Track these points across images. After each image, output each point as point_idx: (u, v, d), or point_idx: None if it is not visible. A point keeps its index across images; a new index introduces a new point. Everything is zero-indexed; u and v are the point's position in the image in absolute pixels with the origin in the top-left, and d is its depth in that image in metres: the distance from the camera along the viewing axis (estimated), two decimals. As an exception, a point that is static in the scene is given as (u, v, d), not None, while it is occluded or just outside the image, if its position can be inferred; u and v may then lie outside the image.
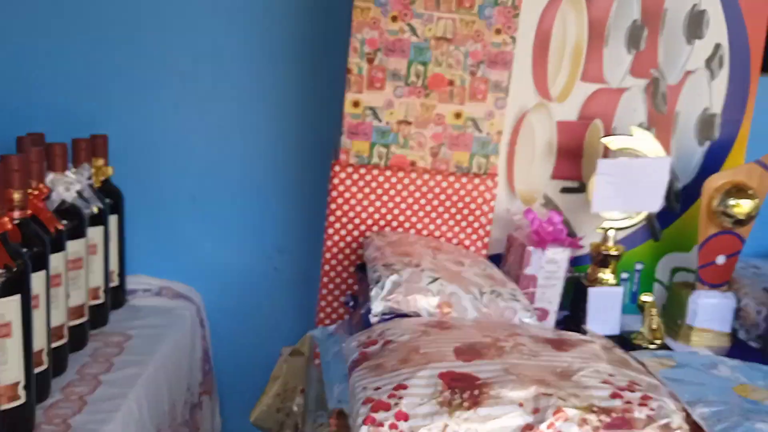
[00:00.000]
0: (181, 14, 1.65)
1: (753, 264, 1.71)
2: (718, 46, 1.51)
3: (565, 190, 1.57)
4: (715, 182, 1.45)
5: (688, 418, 0.86)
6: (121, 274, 1.60)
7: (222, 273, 1.78)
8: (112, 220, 1.52)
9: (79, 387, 1.24)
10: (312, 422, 1.31)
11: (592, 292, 1.49)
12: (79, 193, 1.33)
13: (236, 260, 1.78)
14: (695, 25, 1.50)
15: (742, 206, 1.43)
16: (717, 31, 1.50)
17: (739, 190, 1.43)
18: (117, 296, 1.58)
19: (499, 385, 0.85)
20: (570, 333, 1.11)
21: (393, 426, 0.80)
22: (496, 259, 1.54)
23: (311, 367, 1.41)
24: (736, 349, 1.50)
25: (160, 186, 1.73)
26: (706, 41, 1.51)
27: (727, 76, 1.52)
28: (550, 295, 1.46)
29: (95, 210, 1.39)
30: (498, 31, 1.34)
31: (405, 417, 0.81)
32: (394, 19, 1.32)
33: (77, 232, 1.32)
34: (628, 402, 0.83)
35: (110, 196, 1.51)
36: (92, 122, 1.57)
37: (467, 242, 1.49)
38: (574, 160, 1.55)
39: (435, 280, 1.19)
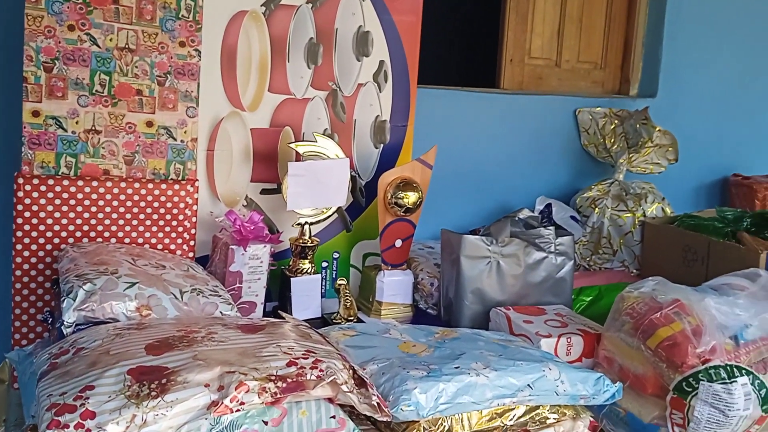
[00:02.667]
0: None
1: (428, 245, 2.03)
2: (382, 63, 1.77)
3: (265, 192, 1.70)
4: (387, 178, 1.70)
5: (355, 374, 1.04)
6: None
7: None
8: None
9: None
10: (10, 449, 1.25)
11: (294, 281, 1.64)
12: None
13: None
14: (362, 44, 1.74)
15: (410, 197, 1.70)
16: (380, 49, 1.76)
17: (407, 184, 1.70)
18: None
19: (187, 371, 0.93)
20: (265, 318, 1.24)
21: (79, 426, 0.83)
22: (205, 260, 1.61)
23: (11, 393, 1.33)
24: (419, 316, 1.77)
25: None
26: (372, 58, 1.76)
27: (392, 89, 1.79)
28: (256, 289, 1.57)
29: None
30: (182, 44, 1.41)
31: (92, 415, 0.85)
32: (71, 28, 1.31)
33: None
34: (302, 368, 0.98)
35: None
36: None
37: (173, 246, 1.54)
38: (270, 164, 1.69)
39: (133, 285, 1.22)
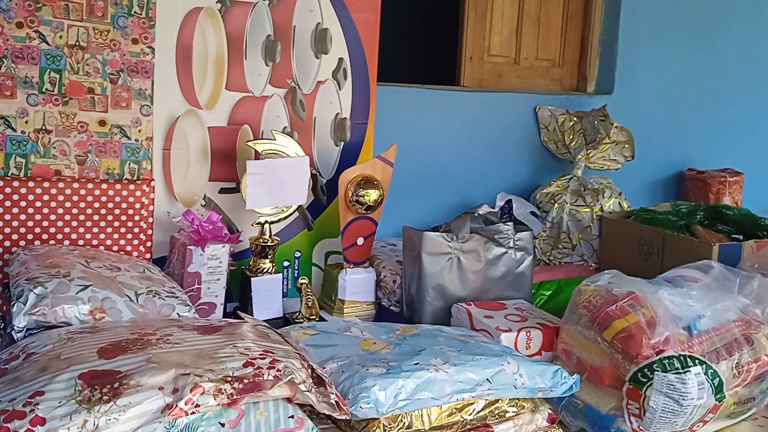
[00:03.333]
0: None
1: (390, 242, 2.03)
2: (341, 60, 1.77)
3: (224, 191, 1.69)
4: (348, 176, 1.70)
5: (313, 373, 1.03)
6: None
7: None
8: None
9: None
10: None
11: (255, 281, 1.63)
12: None
13: None
14: (321, 41, 1.73)
15: (371, 194, 1.70)
16: (339, 47, 1.75)
17: (367, 182, 1.70)
18: None
19: (140, 374, 0.91)
20: (223, 319, 1.22)
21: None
22: (163, 262, 1.58)
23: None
24: (382, 314, 1.77)
25: None
26: (331, 56, 1.75)
27: (352, 86, 1.79)
28: (215, 289, 1.55)
29: None
30: (135, 41, 1.39)
31: (42, 421, 0.82)
32: (20, 25, 1.28)
33: None
34: (259, 368, 0.96)
35: None
36: None
37: (129, 248, 1.51)
38: (229, 163, 1.67)
39: (86, 287, 1.19)
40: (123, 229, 1.48)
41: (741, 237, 1.86)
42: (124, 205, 1.47)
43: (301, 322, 1.61)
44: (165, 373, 0.92)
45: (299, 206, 1.74)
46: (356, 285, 1.74)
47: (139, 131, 1.45)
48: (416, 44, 3.24)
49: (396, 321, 1.64)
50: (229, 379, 0.93)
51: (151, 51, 1.42)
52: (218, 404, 0.91)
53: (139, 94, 1.43)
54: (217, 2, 1.57)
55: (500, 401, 1.17)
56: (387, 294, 1.83)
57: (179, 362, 0.94)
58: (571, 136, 2.30)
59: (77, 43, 1.34)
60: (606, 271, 1.44)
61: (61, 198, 1.39)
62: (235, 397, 0.92)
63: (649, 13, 2.53)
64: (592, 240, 2.12)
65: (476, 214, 1.76)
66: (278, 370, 0.97)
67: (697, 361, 1.26)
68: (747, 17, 2.81)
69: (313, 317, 1.65)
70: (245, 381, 0.94)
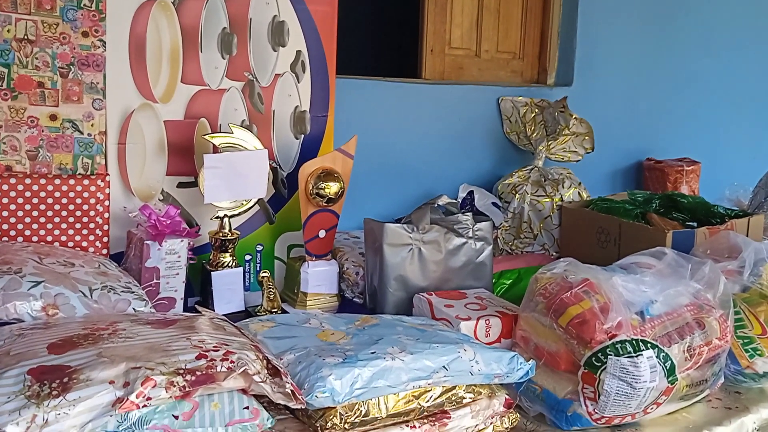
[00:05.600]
0: None
1: (354, 235, 2.04)
2: (299, 53, 1.76)
3: (182, 185, 1.67)
4: (308, 169, 1.69)
5: (269, 364, 1.03)
6: None
7: None
8: None
9: None
10: None
11: (215, 276, 1.62)
12: None
13: None
14: (278, 33, 1.72)
15: (331, 187, 1.69)
16: (297, 39, 1.74)
17: (328, 174, 1.70)
18: None
19: (90, 368, 0.90)
20: (180, 313, 1.22)
21: (-26, 429, 0.80)
22: (121, 257, 1.57)
23: None
24: (345, 305, 1.78)
25: None
26: (289, 48, 1.74)
27: (310, 79, 1.79)
28: (175, 284, 1.54)
29: None
30: (85, 34, 1.37)
31: (-12, 418, 0.81)
32: (-35, 18, 1.25)
33: None
34: (212, 360, 0.96)
35: None
36: None
37: (85, 244, 1.49)
38: (186, 157, 1.66)
39: (38, 284, 1.17)
40: (78, 225, 1.46)
41: (695, 224, 1.91)
42: (78, 201, 1.45)
43: (263, 315, 1.60)
44: (116, 367, 0.91)
45: (260, 200, 1.73)
46: (318, 277, 1.74)
47: (92, 125, 1.43)
48: (377, 37, 3.25)
49: (360, 312, 1.64)
50: (182, 371, 0.93)
51: (102, 44, 1.40)
52: (170, 397, 0.91)
53: (91, 88, 1.41)
54: (171, -6, 1.56)
55: (457, 388, 1.19)
56: (350, 286, 1.84)
57: (130, 356, 0.94)
58: (532, 128, 2.33)
59: (26, 37, 1.32)
60: (562, 259, 1.46)
61: (12, 194, 1.37)
62: (187, 389, 0.92)
63: (606, 5, 2.57)
64: (552, 229, 2.16)
65: (436, 205, 1.78)
66: (232, 362, 0.97)
67: (649, 344, 1.29)
68: (703, 9, 2.87)
69: (275, 310, 1.65)
70: (198, 373, 0.93)
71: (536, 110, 2.34)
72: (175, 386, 0.91)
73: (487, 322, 1.47)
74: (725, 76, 2.98)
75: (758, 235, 1.88)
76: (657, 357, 1.29)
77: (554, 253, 2.15)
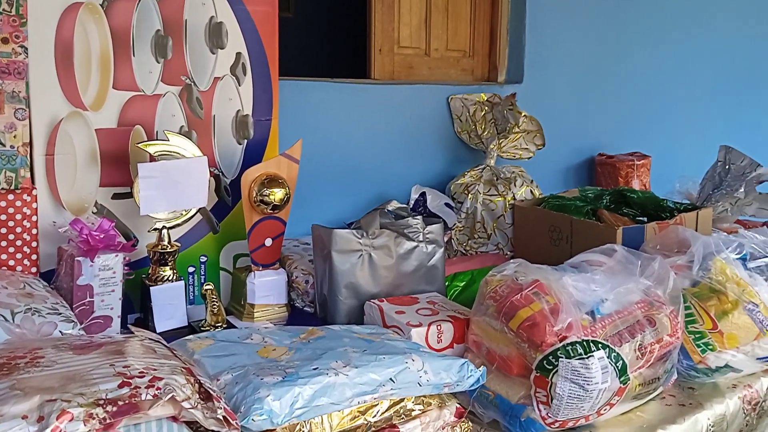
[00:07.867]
0: None
1: (303, 242, 1.98)
2: (239, 55, 1.70)
3: (117, 196, 1.59)
4: (251, 175, 1.63)
5: (201, 388, 0.97)
6: None
7: None
8: None
9: None
10: None
11: (154, 290, 1.54)
12: None
13: None
14: (216, 35, 1.65)
15: (276, 193, 1.63)
16: (236, 41, 1.68)
17: (272, 180, 1.64)
18: None
19: (2, 403, 0.83)
20: (108, 336, 1.15)
21: None
22: (52, 275, 1.48)
23: None
24: (295, 316, 1.72)
25: None
26: (228, 50, 1.68)
27: (252, 82, 1.72)
28: (110, 301, 1.46)
29: None
30: (5, 41, 1.28)
31: None
32: None
33: None
34: (136, 387, 0.90)
35: None
36: None
37: (12, 262, 1.40)
38: (121, 166, 1.58)
39: (-49, 310, 1.09)
40: (4, 243, 1.37)
41: (645, 219, 1.91)
42: (3, 217, 1.36)
43: (208, 330, 1.54)
44: (29, 400, 0.84)
45: (202, 209, 1.66)
46: (266, 288, 1.68)
47: (14, 137, 1.34)
48: (324, 37, 3.19)
49: (311, 322, 1.59)
50: (102, 402, 0.86)
51: (23, 50, 1.32)
52: (90, 430, 0.84)
53: (13, 97, 1.33)
54: (98, -4, 1.48)
55: (405, 400, 1.14)
56: (300, 295, 1.79)
57: (46, 387, 0.87)
58: (483, 126, 2.31)
59: (-64, 44, 1.23)
60: (512, 260, 1.43)
61: (-72, 213, 1.27)
62: (108, 421, 0.85)
63: (554, 1, 2.56)
64: (506, 229, 2.14)
65: (386, 210, 1.73)
66: (158, 389, 0.90)
67: (599, 345, 1.27)
68: (651, 5, 2.89)
69: (220, 324, 1.58)
70: (120, 403, 0.87)
71: (486, 108, 2.32)
72: (94, 418, 0.85)
73: (439, 327, 1.43)
74: (674, 71, 3.01)
75: (707, 228, 1.89)
76: (608, 357, 1.27)
77: (508, 253, 2.13)
